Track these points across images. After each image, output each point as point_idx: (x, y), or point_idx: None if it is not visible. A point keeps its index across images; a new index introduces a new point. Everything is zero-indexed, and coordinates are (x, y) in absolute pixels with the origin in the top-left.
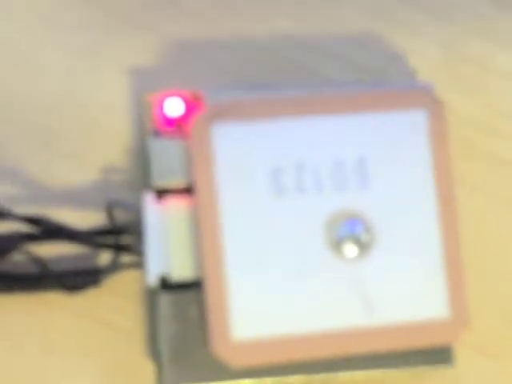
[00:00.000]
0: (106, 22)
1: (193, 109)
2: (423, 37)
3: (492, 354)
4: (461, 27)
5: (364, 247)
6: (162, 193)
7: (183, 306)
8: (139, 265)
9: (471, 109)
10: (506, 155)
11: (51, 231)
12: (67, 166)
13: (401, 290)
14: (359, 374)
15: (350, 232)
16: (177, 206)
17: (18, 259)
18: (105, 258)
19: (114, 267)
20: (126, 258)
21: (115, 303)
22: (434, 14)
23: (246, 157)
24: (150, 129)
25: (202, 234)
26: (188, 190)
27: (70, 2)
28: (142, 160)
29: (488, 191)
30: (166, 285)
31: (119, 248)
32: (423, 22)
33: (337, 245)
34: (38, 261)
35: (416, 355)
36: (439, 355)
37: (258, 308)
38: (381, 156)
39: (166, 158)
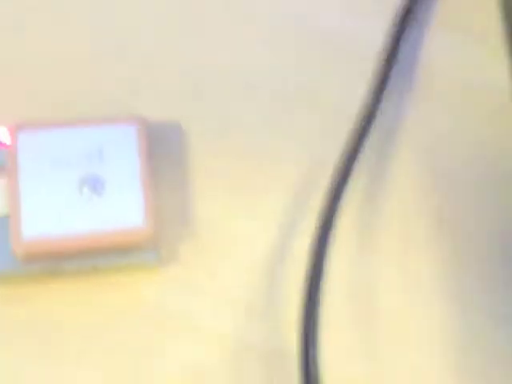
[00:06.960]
0: None
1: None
2: None
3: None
4: None
5: (101, 191)
6: None
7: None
8: None
9: None
10: None
11: None
12: None
13: (113, 208)
14: (85, 265)
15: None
16: None
17: None
18: None
19: None
20: None
21: None
22: None
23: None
24: None
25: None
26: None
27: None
28: None
29: None
30: None
31: None
32: None
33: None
34: None
35: (128, 255)
36: (146, 256)
37: (37, 219)
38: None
39: None
